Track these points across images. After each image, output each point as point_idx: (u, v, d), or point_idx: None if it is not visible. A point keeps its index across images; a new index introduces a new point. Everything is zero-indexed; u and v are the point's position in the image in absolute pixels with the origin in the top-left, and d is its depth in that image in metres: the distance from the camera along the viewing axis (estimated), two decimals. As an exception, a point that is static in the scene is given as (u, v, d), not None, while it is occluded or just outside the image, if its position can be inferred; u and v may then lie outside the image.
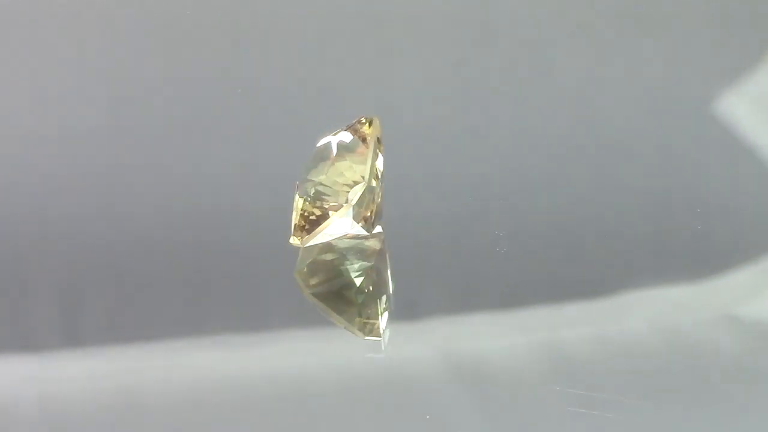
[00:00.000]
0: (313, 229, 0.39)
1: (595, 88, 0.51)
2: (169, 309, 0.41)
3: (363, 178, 0.39)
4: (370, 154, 0.39)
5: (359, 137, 0.40)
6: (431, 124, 0.49)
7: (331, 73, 0.52)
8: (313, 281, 0.41)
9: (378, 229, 0.41)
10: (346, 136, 0.40)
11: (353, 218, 0.39)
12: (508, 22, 0.55)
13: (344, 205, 0.39)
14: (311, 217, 0.39)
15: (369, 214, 0.39)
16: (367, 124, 0.40)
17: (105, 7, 0.55)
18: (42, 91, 0.51)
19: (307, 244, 0.39)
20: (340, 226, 0.39)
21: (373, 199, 0.39)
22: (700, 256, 0.43)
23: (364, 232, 0.40)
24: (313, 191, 0.39)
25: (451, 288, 0.42)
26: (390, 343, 0.39)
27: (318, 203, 0.39)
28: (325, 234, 0.39)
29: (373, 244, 0.41)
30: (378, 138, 0.40)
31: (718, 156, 0.47)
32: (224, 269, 0.42)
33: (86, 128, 0.48)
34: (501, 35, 0.54)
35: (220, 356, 0.40)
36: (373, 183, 0.39)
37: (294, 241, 0.39)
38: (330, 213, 0.39)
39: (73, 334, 0.40)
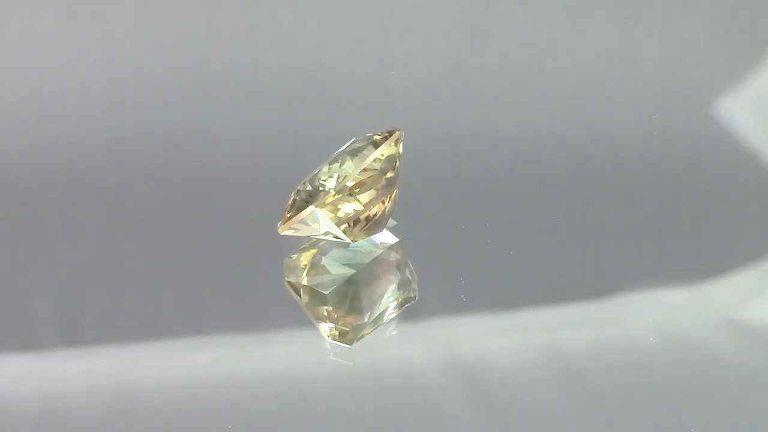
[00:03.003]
0: (291, 219, 0.39)
1: (595, 90, 0.51)
2: (168, 308, 0.41)
3: (334, 185, 0.39)
4: (361, 165, 0.39)
5: (373, 146, 0.39)
6: (430, 125, 0.49)
7: (340, 75, 0.52)
8: (294, 271, 0.41)
9: (390, 239, 0.41)
10: (364, 142, 0.40)
11: (322, 221, 0.39)
12: (507, 22, 0.55)
13: (314, 204, 0.39)
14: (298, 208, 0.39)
15: (352, 221, 0.39)
16: (383, 136, 0.40)
17: None
18: (36, 88, 0.50)
19: (283, 233, 0.39)
20: (311, 224, 0.39)
21: (356, 207, 0.39)
22: (700, 258, 0.43)
23: (346, 238, 0.39)
24: (306, 184, 0.39)
25: (452, 289, 0.42)
26: (361, 352, 0.40)
27: (308, 196, 0.39)
28: (300, 228, 0.39)
29: (371, 254, 0.41)
30: (394, 152, 0.39)
31: (718, 158, 0.47)
32: (222, 268, 0.42)
33: (85, 126, 0.48)
34: (500, 37, 0.54)
35: (219, 355, 0.40)
36: (360, 194, 0.39)
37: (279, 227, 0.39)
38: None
39: (72, 333, 0.40)
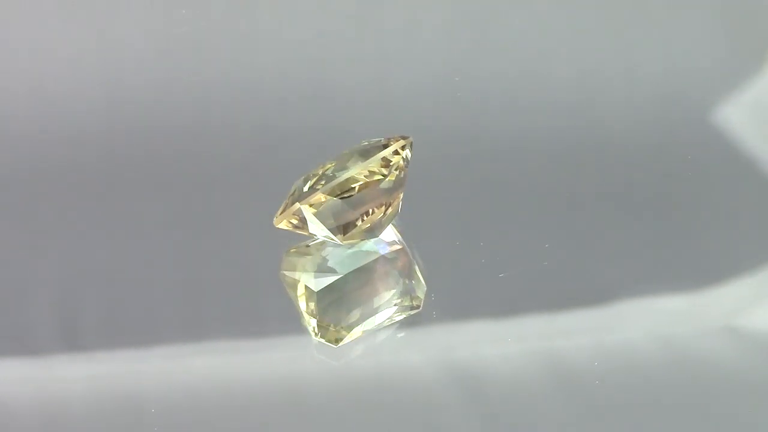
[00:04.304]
0: (283, 212, 0.39)
1: (593, 95, 0.50)
2: (167, 313, 0.41)
3: (324, 184, 0.39)
4: (358, 168, 0.39)
5: (377, 151, 0.39)
6: (427, 128, 0.49)
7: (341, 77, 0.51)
8: (291, 265, 0.41)
9: (397, 244, 0.41)
10: (369, 145, 0.39)
11: (309, 219, 0.39)
12: (506, 24, 0.55)
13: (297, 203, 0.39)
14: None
15: (344, 222, 0.39)
16: (390, 142, 0.40)
17: None
18: (33, 88, 0.50)
19: (277, 226, 0.39)
20: (300, 220, 0.39)
21: (343, 211, 0.39)
22: (699, 265, 0.43)
23: (336, 239, 0.39)
24: (304, 180, 0.39)
25: (450, 295, 0.42)
26: (349, 356, 0.40)
27: (302, 192, 0.39)
28: (294, 223, 0.39)
29: (373, 257, 0.41)
30: (397, 158, 0.39)
31: (717, 164, 0.47)
32: (222, 272, 0.42)
33: (84, 126, 0.48)
34: (498, 38, 0.54)
35: (218, 360, 0.40)
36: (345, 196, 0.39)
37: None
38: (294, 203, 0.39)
39: (71, 337, 0.40)
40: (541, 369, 0.40)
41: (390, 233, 0.41)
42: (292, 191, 0.39)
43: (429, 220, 0.44)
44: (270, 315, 0.41)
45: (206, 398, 0.39)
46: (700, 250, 0.44)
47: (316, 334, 0.39)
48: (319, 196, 0.38)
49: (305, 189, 0.39)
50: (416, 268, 0.41)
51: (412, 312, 0.40)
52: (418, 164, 0.41)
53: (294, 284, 0.40)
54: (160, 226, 0.44)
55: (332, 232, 0.39)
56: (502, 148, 0.48)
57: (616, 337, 0.41)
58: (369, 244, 0.41)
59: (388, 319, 0.40)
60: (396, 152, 0.39)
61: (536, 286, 0.42)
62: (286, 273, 0.41)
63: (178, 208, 0.45)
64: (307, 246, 0.41)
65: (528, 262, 0.43)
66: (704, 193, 0.46)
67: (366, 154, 0.39)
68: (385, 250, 0.41)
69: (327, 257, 0.40)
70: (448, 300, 0.41)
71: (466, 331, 0.41)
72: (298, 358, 0.40)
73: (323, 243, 0.41)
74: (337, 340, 0.39)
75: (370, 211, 0.39)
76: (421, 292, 0.41)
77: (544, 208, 0.45)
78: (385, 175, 0.39)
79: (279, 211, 0.39)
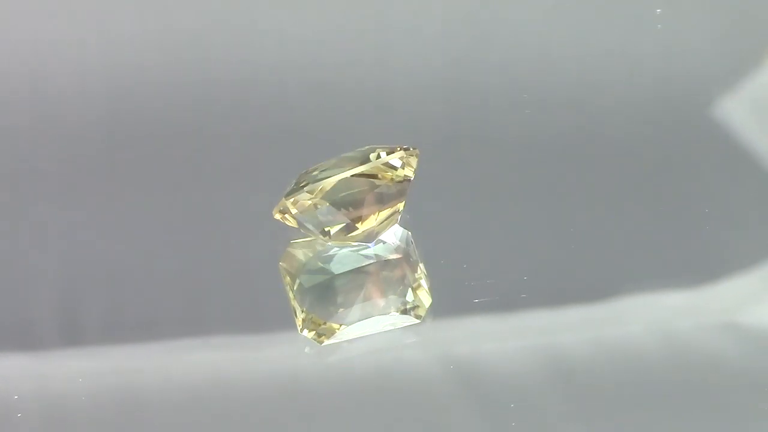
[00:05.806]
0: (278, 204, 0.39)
1: (593, 90, 0.50)
2: (168, 309, 0.41)
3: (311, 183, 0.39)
4: (347, 172, 0.39)
5: (374, 157, 0.39)
6: (425, 126, 0.49)
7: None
8: (291, 258, 0.41)
9: (395, 252, 0.41)
10: (369, 151, 0.39)
11: (296, 216, 0.39)
12: (506, 23, 0.55)
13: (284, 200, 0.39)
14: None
15: (328, 225, 0.39)
16: (393, 150, 0.39)
17: None
18: (33, 87, 0.50)
19: (275, 217, 0.39)
20: (290, 215, 0.39)
21: (329, 213, 0.39)
22: (700, 261, 0.43)
23: (326, 240, 0.39)
24: (302, 177, 0.39)
25: (451, 291, 0.42)
26: (334, 355, 0.40)
27: (293, 189, 0.39)
28: (290, 216, 0.39)
29: (374, 260, 0.40)
30: (395, 167, 0.39)
31: (717, 160, 0.47)
32: (223, 269, 0.42)
33: (84, 123, 0.48)
34: (498, 36, 0.54)
35: (219, 356, 0.40)
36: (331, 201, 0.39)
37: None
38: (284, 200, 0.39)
39: (72, 332, 0.40)
40: (542, 364, 0.40)
41: (396, 239, 0.41)
42: (289, 186, 0.39)
43: (428, 216, 0.44)
44: (271, 311, 0.41)
45: (206, 394, 0.39)
46: (701, 245, 0.44)
47: (302, 330, 0.39)
48: (305, 195, 0.38)
49: (294, 186, 0.39)
50: (422, 279, 0.41)
51: (412, 323, 0.40)
52: (420, 163, 0.41)
53: (290, 277, 0.40)
54: (162, 221, 0.44)
55: (319, 233, 0.39)
56: (503, 147, 0.48)
57: (617, 332, 0.41)
58: (371, 248, 0.40)
59: (389, 324, 0.40)
60: (398, 160, 0.39)
61: (537, 282, 0.42)
62: (284, 266, 0.41)
63: (179, 203, 0.45)
64: (310, 241, 0.41)
65: (530, 256, 0.43)
66: (705, 189, 0.46)
67: (365, 159, 0.39)
68: (386, 256, 0.41)
69: (326, 255, 0.40)
70: (447, 296, 0.41)
71: (466, 326, 0.41)
72: (297, 355, 0.40)
73: (327, 241, 0.41)
74: (322, 338, 0.39)
75: (363, 216, 0.39)
76: (424, 304, 0.40)
77: (544, 203, 0.45)
78: (382, 181, 0.39)
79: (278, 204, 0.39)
